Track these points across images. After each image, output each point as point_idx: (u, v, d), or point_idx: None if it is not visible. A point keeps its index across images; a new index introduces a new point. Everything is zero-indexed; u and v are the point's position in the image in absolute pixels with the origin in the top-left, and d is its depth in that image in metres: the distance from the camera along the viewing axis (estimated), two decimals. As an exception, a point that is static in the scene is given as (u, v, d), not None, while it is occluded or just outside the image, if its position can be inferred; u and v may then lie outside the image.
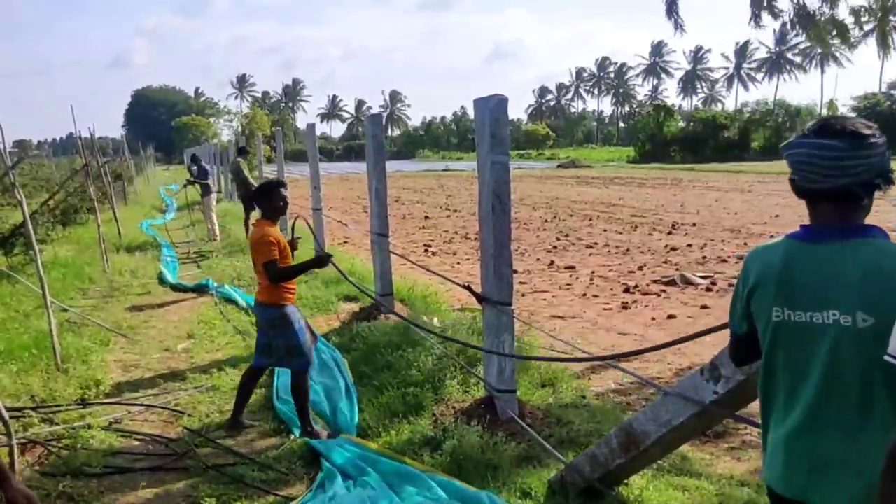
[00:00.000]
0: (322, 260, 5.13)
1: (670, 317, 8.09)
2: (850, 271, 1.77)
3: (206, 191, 15.30)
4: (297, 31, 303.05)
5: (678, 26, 9.48)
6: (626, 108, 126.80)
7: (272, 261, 4.66)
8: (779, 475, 1.95)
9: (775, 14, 9.09)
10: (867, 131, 1.81)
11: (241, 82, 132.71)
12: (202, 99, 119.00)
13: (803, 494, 1.89)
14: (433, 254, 13.35)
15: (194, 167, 15.89)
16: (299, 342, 4.80)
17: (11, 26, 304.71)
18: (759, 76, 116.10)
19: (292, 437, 4.79)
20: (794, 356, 1.89)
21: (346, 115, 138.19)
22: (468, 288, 4.96)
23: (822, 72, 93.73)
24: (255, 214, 14.57)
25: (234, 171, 15.11)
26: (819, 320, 1.81)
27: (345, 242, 14.77)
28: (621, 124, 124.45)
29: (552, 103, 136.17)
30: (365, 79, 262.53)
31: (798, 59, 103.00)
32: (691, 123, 66.72)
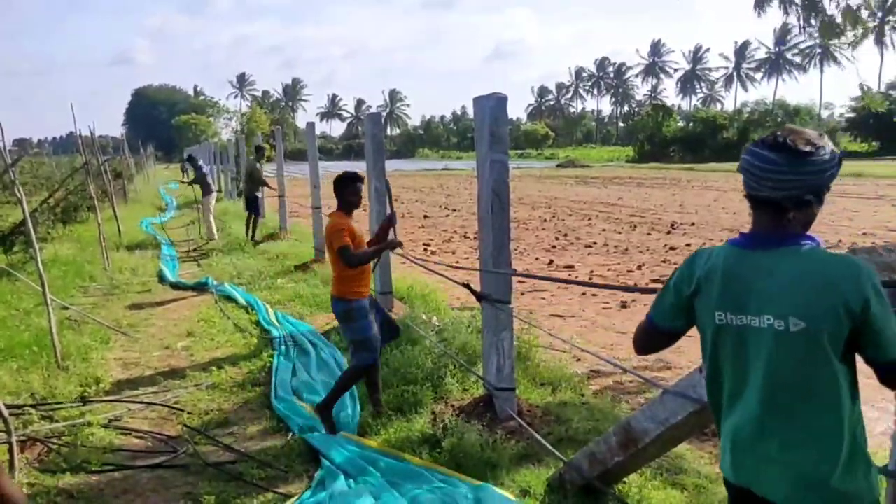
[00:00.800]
0: (394, 244, 5.07)
1: (669, 316, 8.09)
2: (782, 278, 1.84)
3: (206, 190, 15.28)
4: (298, 30, 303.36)
5: None
6: (626, 108, 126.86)
7: (344, 246, 4.61)
8: (728, 465, 2.04)
9: (785, 4, 9.03)
10: (807, 148, 1.82)
11: (241, 81, 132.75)
12: (201, 98, 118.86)
13: (748, 484, 1.98)
14: (432, 252, 13.35)
15: (189, 166, 15.80)
16: (365, 337, 4.78)
17: (15, 24, 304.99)
18: (759, 76, 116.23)
19: (291, 434, 4.80)
20: (735, 358, 1.95)
21: (345, 114, 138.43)
22: (468, 286, 4.97)
23: (822, 72, 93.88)
24: (255, 217, 14.75)
25: (247, 172, 15.03)
26: (756, 324, 1.87)
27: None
28: (620, 124, 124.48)
29: (551, 103, 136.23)
30: (366, 78, 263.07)
31: (798, 59, 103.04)
32: (690, 123, 66.75)
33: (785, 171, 1.82)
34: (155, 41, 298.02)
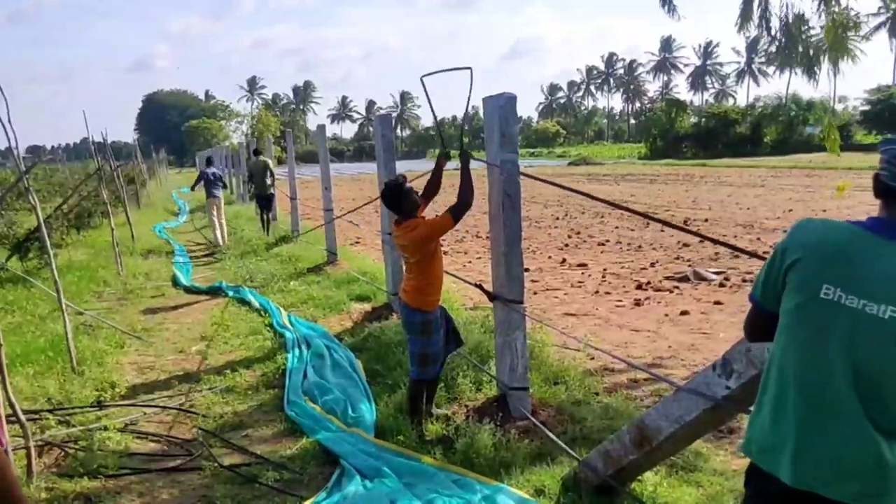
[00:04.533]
0: (441, 159, 4.97)
1: (683, 313, 8.07)
2: None
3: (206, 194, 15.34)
4: (317, 32, 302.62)
5: (672, 10, 9.29)
6: (637, 105, 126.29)
7: (438, 223, 4.44)
8: (786, 463, 1.88)
9: (766, 28, 8.92)
10: None
11: (252, 84, 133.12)
12: (212, 101, 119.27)
13: (812, 486, 1.84)
14: (444, 252, 13.33)
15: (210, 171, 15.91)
16: (435, 351, 4.63)
17: (39, 31, 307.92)
18: (771, 70, 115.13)
19: (305, 436, 4.81)
20: (827, 338, 1.83)
21: (356, 115, 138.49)
22: (480, 286, 4.97)
23: (835, 64, 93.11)
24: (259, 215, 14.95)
25: (259, 171, 15.32)
26: (872, 311, 1.76)
27: (356, 242, 14.82)
28: (632, 121, 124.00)
29: (562, 101, 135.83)
30: (383, 78, 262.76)
31: (810, 52, 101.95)
32: (703, 119, 66.37)
33: None
34: (175, 46, 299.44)
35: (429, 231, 4.47)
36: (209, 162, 16.62)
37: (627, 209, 4.36)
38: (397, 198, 4.59)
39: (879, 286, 1.77)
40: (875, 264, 1.78)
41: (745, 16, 8.27)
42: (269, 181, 15.29)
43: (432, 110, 4.99)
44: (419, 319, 4.57)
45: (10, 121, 5.17)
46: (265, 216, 15.56)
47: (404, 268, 4.79)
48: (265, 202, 15.51)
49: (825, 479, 1.82)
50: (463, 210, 4.47)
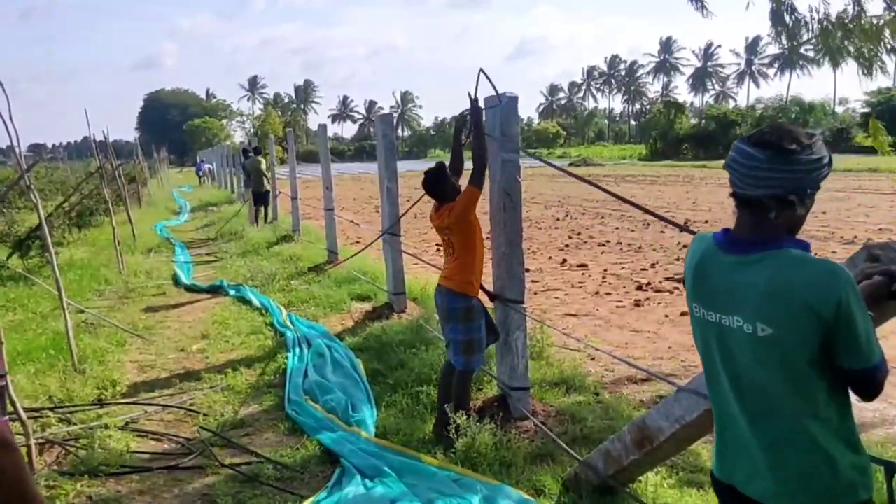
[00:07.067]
0: (458, 123, 4.82)
1: (683, 314, 8.07)
2: (753, 282, 1.80)
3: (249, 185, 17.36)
4: (324, 31, 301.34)
5: (703, 9, 9.09)
6: (637, 106, 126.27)
7: (468, 187, 4.44)
8: (714, 460, 2.09)
9: (792, 33, 8.73)
10: (791, 146, 1.76)
11: (252, 84, 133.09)
12: (213, 101, 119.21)
13: (730, 479, 2.00)
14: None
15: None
16: (480, 337, 4.49)
17: (47, 30, 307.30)
18: (771, 72, 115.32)
19: (306, 435, 4.81)
20: (709, 352, 1.97)
21: (357, 115, 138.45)
22: (480, 286, 4.97)
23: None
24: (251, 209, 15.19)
25: (254, 170, 16.55)
26: (727, 323, 1.87)
27: (357, 242, 14.82)
28: (632, 122, 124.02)
29: (563, 102, 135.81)
30: (387, 78, 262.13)
31: (811, 54, 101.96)
32: (703, 120, 66.40)
33: (766, 168, 1.77)
34: (184, 45, 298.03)
35: (463, 203, 4.49)
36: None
37: (659, 215, 4.36)
38: (442, 182, 4.61)
39: (725, 298, 1.87)
40: (719, 277, 1.89)
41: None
42: (263, 179, 16.51)
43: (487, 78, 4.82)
44: (462, 305, 4.44)
45: (11, 118, 5.19)
46: (264, 211, 16.92)
47: (444, 255, 4.72)
48: (261, 199, 16.82)
49: (740, 476, 1.97)
50: (481, 175, 4.47)
